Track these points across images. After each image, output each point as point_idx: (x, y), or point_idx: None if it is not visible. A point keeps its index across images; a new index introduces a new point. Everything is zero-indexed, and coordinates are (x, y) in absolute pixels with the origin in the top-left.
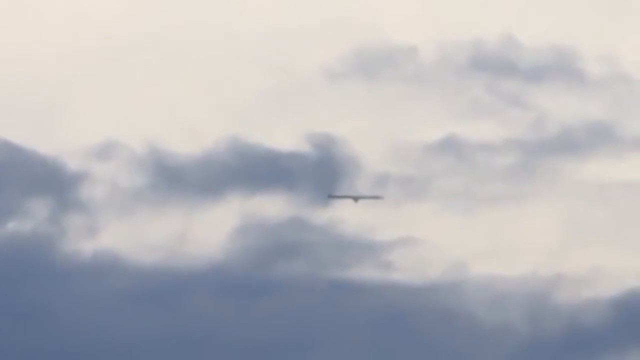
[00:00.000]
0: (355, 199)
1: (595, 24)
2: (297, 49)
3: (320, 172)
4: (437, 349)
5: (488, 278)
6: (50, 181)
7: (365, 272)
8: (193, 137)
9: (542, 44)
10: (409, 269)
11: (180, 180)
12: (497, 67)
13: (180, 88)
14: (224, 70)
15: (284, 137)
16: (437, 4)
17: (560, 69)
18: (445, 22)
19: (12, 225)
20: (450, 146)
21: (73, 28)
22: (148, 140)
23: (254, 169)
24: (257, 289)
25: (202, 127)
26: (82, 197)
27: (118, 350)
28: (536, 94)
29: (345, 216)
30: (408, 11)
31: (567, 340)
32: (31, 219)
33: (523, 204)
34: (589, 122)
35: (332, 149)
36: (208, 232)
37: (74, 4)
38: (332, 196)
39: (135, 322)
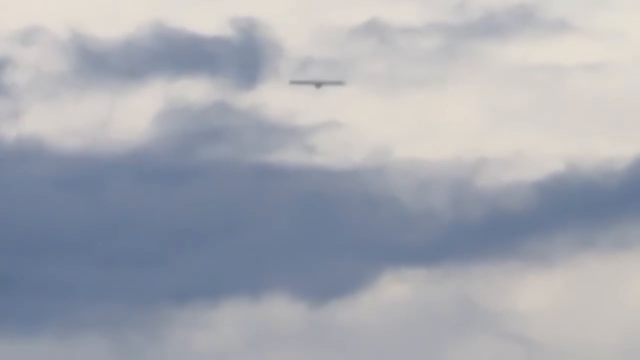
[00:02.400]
0: (318, 84)
1: None
2: None
3: (243, 56)
4: (360, 234)
5: (411, 162)
6: None
7: (288, 156)
8: (116, 21)
9: None
10: (332, 153)
11: (104, 65)
12: None
13: None
14: None
15: (207, 21)
16: None
17: None
18: None
19: None
20: (373, 29)
21: None
22: (71, 25)
23: (177, 54)
24: (180, 174)
25: (125, 11)
26: (5, 82)
27: (40, 235)
28: None
29: (269, 100)
30: None
31: (490, 224)
32: None
33: (446, 88)
34: (512, 4)
35: (255, 33)
36: (131, 117)
37: None
38: (293, 82)
39: (58, 207)
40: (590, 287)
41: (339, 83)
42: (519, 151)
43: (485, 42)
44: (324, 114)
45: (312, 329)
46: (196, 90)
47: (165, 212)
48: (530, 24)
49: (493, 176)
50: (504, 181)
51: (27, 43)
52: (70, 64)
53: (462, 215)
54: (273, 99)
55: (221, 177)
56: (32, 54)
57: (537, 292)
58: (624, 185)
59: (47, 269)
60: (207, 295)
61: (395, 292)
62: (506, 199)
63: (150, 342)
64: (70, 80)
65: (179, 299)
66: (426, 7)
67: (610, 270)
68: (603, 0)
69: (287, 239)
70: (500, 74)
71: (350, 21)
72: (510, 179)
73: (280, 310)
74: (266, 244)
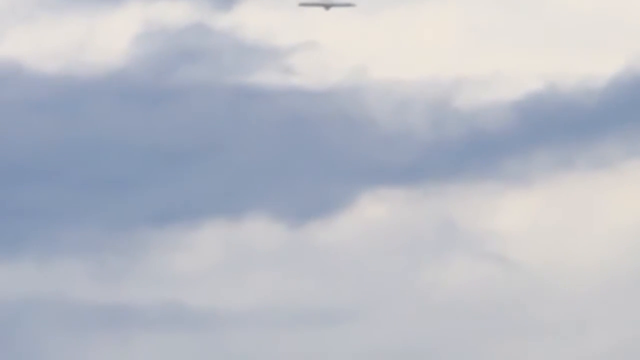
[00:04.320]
0: (327, 6)
1: None
2: None
3: None
4: (338, 154)
5: (389, 82)
6: None
7: (266, 77)
8: None
9: None
10: (310, 73)
11: None
12: None
13: None
14: None
15: None
16: None
17: None
18: None
19: None
20: None
21: None
22: None
23: None
24: (158, 96)
25: None
26: None
27: (18, 159)
28: None
29: (247, 21)
30: None
31: (469, 144)
32: None
33: (424, 7)
34: None
35: None
36: (109, 39)
37: None
38: (302, 4)
39: (36, 130)
40: (569, 206)
41: (348, 4)
42: (497, 70)
43: None
44: (302, 34)
45: (291, 249)
46: (174, 12)
47: (144, 133)
48: None
49: (471, 96)
50: (483, 101)
51: None
52: None
53: (441, 135)
54: (251, 20)
55: (199, 98)
56: None
57: (516, 211)
58: (603, 103)
59: (25, 192)
60: (186, 218)
61: (374, 212)
62: (485, 119)
63: (130, 264)
64: (48, 2)
65: (159, 222)
66: None
67: (589, 190)
68: None
69: (265, 161)
70: None
71: None
72: (488, 98)
73: (260, 231)
74: (245, 166)
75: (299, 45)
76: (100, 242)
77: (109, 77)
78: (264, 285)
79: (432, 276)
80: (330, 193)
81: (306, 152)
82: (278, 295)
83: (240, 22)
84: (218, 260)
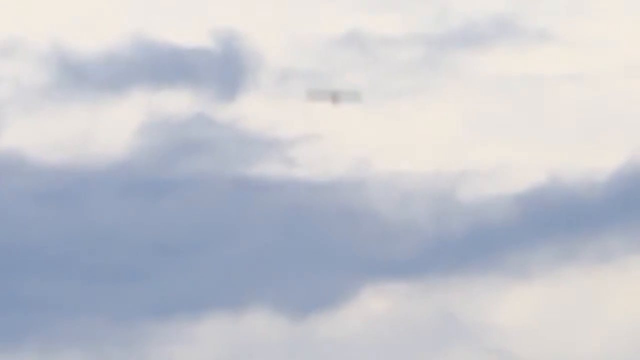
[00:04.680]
0: (334, 97)
1: None
2: None
3: (224, 68)
4: (340, 247)
5: (392, 175)
6: None
7: (268, 169)
8: (96, 33)
9: None
10: (313, 165)
11: (85, 77)
12: None
13: None
14: None
15: (188, 32)
16: None
17: None
18: None
19: None
20: (353, 40)
21: None
22: (51, 37)
23: (158, 66)
24: (161, 187)
25: (106, 23)
26: None
27: (20, 250)
28: None
29: (250, 112)
30: None
31: (472, 237)
32: None
33: (427, 99)
34: (493, 14)
35: (236, 44)
36: (112, 129)
37: None
38: (310, 94)
39: (39, 221)
40: (571, 300)
41: (355, 96)
42: (500, 163)
43: (465, 52)
44: (304, 126)
45: (293, 342)
46: (177, 103)
47: (146, 225)
48: (510, 33)
49: (475, 189)
50: (486, 194)
51: (6, 56)
52: (51, 76)
53: (444, 228)
54: (254, 111)
55: (202, 190)
56: (12, 66)
57: (518, 305)
58: (606, 197)
59: (27, 283)
60: (187, 310)
61: (376, 306)
62: (488, 212)
63: (132, 357)
64: (51, 92)
65: (160, 314)
66: (406, 17)
67: (591, 284)
68: (583, 10)
69: (267, 253)
70: (481, 85)
71: (330, 32)
72: (491, 191)
73: (262, 324)
74: (247, 258)
75: (301, 137)
76: (101, 334)
77: (112, 168)
78: None
79: None
80: (332, 286)
81: (308, 245)
82: None
83: (243, 113)
84: (220, 352)
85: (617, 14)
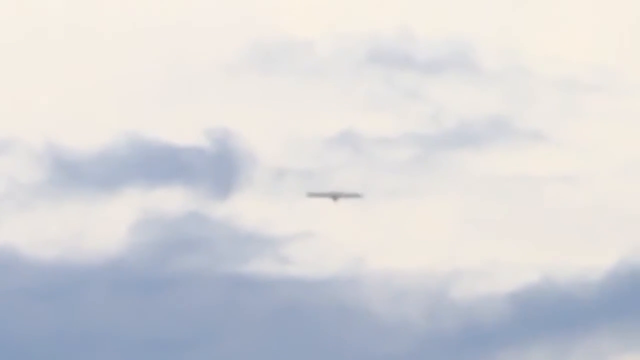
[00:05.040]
0: (335, 197)
1: (491, 16)
2: (194, 43)
3: (218, 167)
4: (334, 344)
5: (386, 273)
6: None
7: (263, 267)
8: (91, 132)
9: (438, 37)
10: (307, 263)
11: (79, 175)
12: (394, 60)
13: (77, 83)
14: (121, 64)
15: (182, 131)
16: None
17: (457, 62)
18: (341, 15)
19: None
20: (348, 140)
21: None
22: (46, 136)
23: (152, 164)
24: (155, 284)
25: (100, 122)
26: None
27: (15, 346)
28: (433, 87)
29: (243, 210)
30: (304, 5)
31: (465, 335)
32: None
33: (421, 198)
34: (486, 115)
35: (229, 143)
36: (106, 227)
37: None
38: (311, 194)
39: (34, 318)
40: None
41: (356, 196)
42: (493, 262)
43: (459, 152)
44: (298, 224)
45: None
46: (171, 201)
47: (140, 322)
48: (504, 134)
49: (468, 287)
50: (479, 292)
51: (1, 153)
52: (46, 174)
53: (437, 326)
54: (247, 209)
55: (196, 287)
56: (6, 164)
57: None
58: (599, 296)
59: None
60: None
61: None
62: (481, 311)
63: None
64: (46, 190)
65: None
66: (401, 117)
67: None
68: (576, 112)
69: (261, 350)
70: (474, 184)
71: (324, 131)
72: (485, 290)
73: None
74: (241, 355)
75: (295, 235)
76: None
77: (106, 265)
78: None
79: None
80: None
81: (302, 342)
82: None
83: (237, 211)
84: None
85: (610, 116)
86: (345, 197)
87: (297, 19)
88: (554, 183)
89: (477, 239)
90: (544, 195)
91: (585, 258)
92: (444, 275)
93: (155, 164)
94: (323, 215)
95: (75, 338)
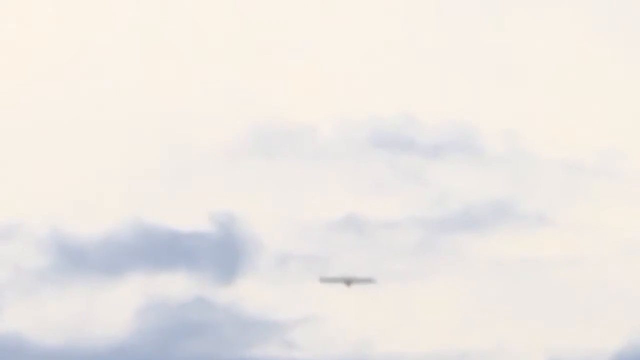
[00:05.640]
0: (348, 282)
1: (494, 100)
2: (197, 127)
3: (222, 252)
4: None
5: (393, 357)
6: None
7: (268, 352)
8: (95, 218)
9: (441, 120)
10: (312, 348)
11: (83, 260)
12: (397, 144)
13: (80, 169)
14: (124, 149)
15: (186, 216)
16: (334, 82)
17: (460, 145)
18: (343, 99)
19: None
20: (352, 224)
21: None
22: (50, 221)
23: (156, 249)
24: None
25: (104, 207)
26: None
27: None
28: (437, 171)
29: (248, 295)
30: (306, 89)
31: None
32: None
33: (426, 281)
34: (490, 198)
35: (233, 228)
36: (111, 312)
37: None
38: (323, 279)
39: None
40: None
41: (368, 281)
42: (499, 345)
43: (464, 235)
44: (303, 308)
45: None
46: (176, 286)
47: None
48: (508, 217)
49: None
50: None
51: (6, 239)
52: (50, 260)
53: None
54: (252, 293)
55: None
56: (11, 250)
57: None
58: None
59: None
60: None
61: None
62: None
63: None
64: (50, 276)
65: None
66: (404, 201)
67: None
68: (581, 195)
69: None
70: (479, 267)
71: (328, 215)
72: None
73: None
74: None
75: (300, 319)
76: None
77: (111, 350)
78: None
79: None
80: None
81: None
82: None
83: (242, 296)
84: None
85: (614, 199)
86: (359, 282)
87: (300, 103)
88: (559, 266)
89: (483, 323)
90: (550, 278)
91: (592, 340)
92: (450, 358)
93: (160, 249)
94: (328, 300)
95: None
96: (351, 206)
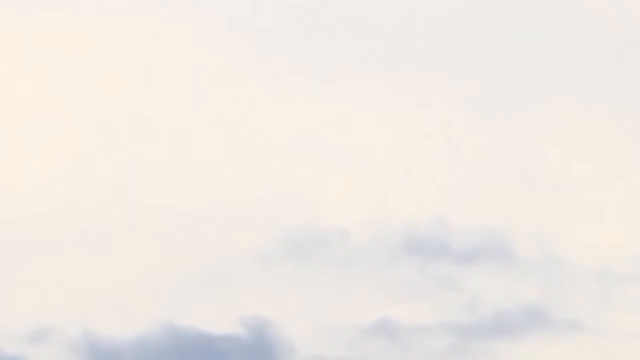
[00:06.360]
0: None
1: (526, 205)
2: (229, 231)
3: (254, 355)
4: None
5: None
6: None
7: None
8: (127, 320)
9: (473, 226)
10: None
11: None
12: (429, 249)
13: (112, 270)
14: (156, 252)
15: (218, 319)
16: (367, 187)
17: (492, 251)
18: (376, 204)
19: None
20: (384, 329)
21: None
22: (82, 324)
23: (188, 352)
24: None
25: (136, 310)
26: None
27: None
28: (469, 277)
29: None
30: (339, 194)
31: None
32: None
33: None
34: (523, 304)
35: (266, 331)
36: None
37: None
38: None
39: None
40: None
41: None
42: None
43: (496, 341)
44: None
45: None
46: None
47: None
48: (542, 323)
49: None
50: None
51: (37, 342)
52: None
53: None
54: None
55: None
56: (43, 353)
57: None
58: None
59: None
60: None
61: None
62: None
63: None
64: None
65: None
66: (436, 306)
67: None
68: (615, 300)
69: None
70: None
71: (360, 320)
72: None
73: None
74: None
75: None
76: None
77: None
78: None
79: None
80: None
81: None
82: None
83: None
84: None
85: None
86: None
87: (331, 208)
88: None
89: None
90: None
91: None
92: None
93: (191, 352)
94: None
95: None
96: (383, 311)
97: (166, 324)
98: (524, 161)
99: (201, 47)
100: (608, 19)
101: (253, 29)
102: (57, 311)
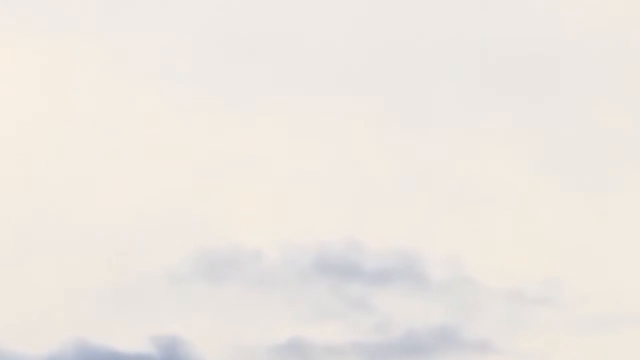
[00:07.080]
0: None
1: (437, 227)
2: (142, 249)
3: None
4: None
5: None
6: None
7: None
8: (39, 338)
9: (385, 246)
10: None
11: None
12: (341, 270)
13: (24, 288)
14: (69, 270)
15: (130, 338)
16: (280, 207)
17: (403, 272)
18: (288, 224)
19: None
20: (296, 348)
21: None
22: None
23: None
24: None
25: (48, 328)
26: None
27: None
28: (381, 297)
29: None
30: (251, 214)
31: None
32: None
33: None
34: (434, 325)
35: (178, 350)
36: None
37: None
38: None
39: None
40: None
41: None
42: None
43: None
44: None
45: None
46: None
47: None
48: (452, 344)
49: None
50: None
51: None
52: None
53: None
54: None
55: None
56: None
57: None
58: None
59: None
60: None
61: None
62: None
63: None
64: None
65: None
66: (348, 326)
67: None
68: (523, 323)
69: None
70: None
71: (272, 339)
72: None
73: None
74: None
75: None
76: None
77: None
78: None
79: None
80: None
81: None
82: None
83: None
84: None
85: (555, 327)
86: None
87: (244, 228)
88: None
89: None
90: None
91: None
92: None
93: None
94: None
95: None
96: (295, 331)
97: (78, 343)
98: (436, 183)
99: (121, 66)
100: (521, 41)
101: (175, 47)
102: None
